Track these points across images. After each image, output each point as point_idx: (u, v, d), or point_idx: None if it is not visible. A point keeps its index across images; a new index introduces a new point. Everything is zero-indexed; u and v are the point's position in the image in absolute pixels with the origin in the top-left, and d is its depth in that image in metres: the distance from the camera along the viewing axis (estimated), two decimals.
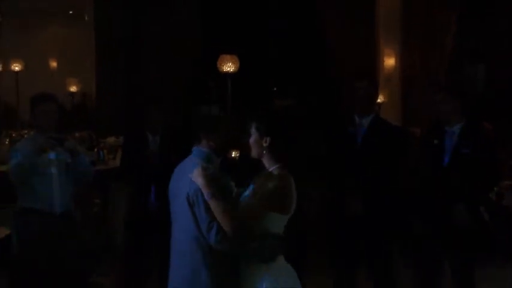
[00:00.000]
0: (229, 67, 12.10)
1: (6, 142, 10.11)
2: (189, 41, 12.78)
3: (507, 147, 9.65)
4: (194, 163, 4.20)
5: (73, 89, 14.35)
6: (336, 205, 6.46)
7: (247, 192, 4.11)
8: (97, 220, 8.54)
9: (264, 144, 4.05)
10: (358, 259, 6.58)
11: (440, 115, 6.27)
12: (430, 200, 6.17)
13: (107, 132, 11.30)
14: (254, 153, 4.12)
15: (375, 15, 12.76)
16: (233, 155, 7.65)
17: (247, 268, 4.07)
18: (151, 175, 6.62)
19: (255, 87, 13.35)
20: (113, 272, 7.71)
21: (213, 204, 3.99)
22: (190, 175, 4.09)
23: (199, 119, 4.37)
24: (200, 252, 4.15)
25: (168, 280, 4.43)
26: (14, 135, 10.47)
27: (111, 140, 10.81)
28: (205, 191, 4.02)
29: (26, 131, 9.87)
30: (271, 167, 4.09)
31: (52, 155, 5.99)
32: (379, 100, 10.97)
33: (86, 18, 14.16)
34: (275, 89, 14.15)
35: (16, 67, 13.34)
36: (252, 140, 4.09)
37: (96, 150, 9.82)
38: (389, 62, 12.88)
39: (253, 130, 4.08)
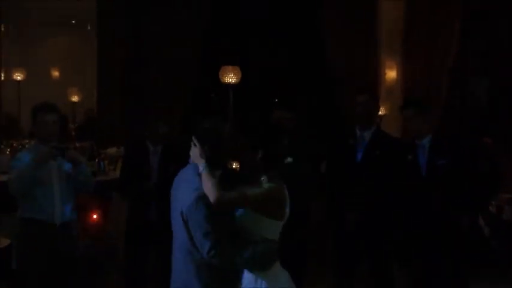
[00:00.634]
0: (231, 78, 12.12)
1: (7, 152, 10.09)
2: (192, 53, 12.78)
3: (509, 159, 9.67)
4: (192, 172, 4.20)
5: (74, 98, 14.34)
6: (336, 217, 6.47)
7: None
8: (98, 230, 8.53)
9: (257, 157, 4.09)
10: (356, 270, 6.59)
11: (410, 129, 6.33)
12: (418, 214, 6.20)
13: (108, 142, 11.29)
14: (245, 166, 4.17)
15: (376, 28, 12.76)
16: (234, 166, 7.66)
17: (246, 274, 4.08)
18: (151, 187, 6.63)
19: (257, 99, 13.37)
20: (112, 282, 7.70)
21: (205, 177, 4.02)
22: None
23: (197, 131, 4.36)
24: (193, 267, 4.15)
25: None
26: (14, 144, 10.45)
27: (112, 150, 10.80)
28: (200, 165, 4.09)
29: (27, 141, 9.86)
30: (263, 177, 4.13)
31: (53, 165, 6.00)
32: (380, 113, 10.98)
33: (89, 27, 14.17)
34: (276, 100, 14.15)
35: (18, 76, 13.34)
36: (245, 153, 4.12)
37: (96, 160, 9.81)
38: (391, 74, 12.86)
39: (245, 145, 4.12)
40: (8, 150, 10.14)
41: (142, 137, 6.86)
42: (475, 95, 13.18)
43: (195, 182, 4.10)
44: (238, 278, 4.11)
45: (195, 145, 4.21)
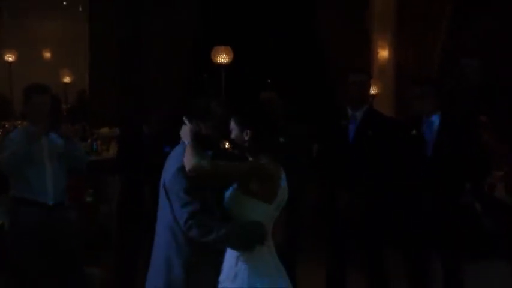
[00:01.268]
0: (223, 58, 12.11)
1: None
2: (185, 33, 12.75)
3: (503, 139, 9.68)
4: (180, 150, 4.20)
5: (66, 79, 14.31)
6: (330, 199, 6.47)
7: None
8: (90, 210, 8.54)
9: (246, 138, 4.04)
10: (350, 254, 6.61)
11: (418, 108, 6.30)
12: (418, 194, 6.20)
13: (100, 123, 11.28)
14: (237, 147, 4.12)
15: (369, 6, 12.75)
16: (226, 146, 7.66)
17: (238, 261, 4.03)
18: (145, 167, 6.63)
19: (249, 79, 13.36)
20: (105, 262, 7.71)
21: (188, 148, 4.02)
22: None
23: (191, 107, 4.35)
24: (175, 241, 4.14)
25: None
26: (7, 125, 10.44)
27: (104, 131, 10.79)
28: (186, 140, 4.10)
29: (19, 122, 9.85)
30: (256, 157, 4.08)
31: (45, 145, 6.00)
32: (372, 92, 10.99)
33: (80, 9, 14.13)
34: (269, 81, 14.15)
35: (9, 58, 13.33)
36: (233, 134, 4.08)
37: (89, 141, 9.82)
38: (383, 53, 12.86)
39: (232, 124, 4.08)
40: (0, 131, 10.13)
41: (136, 118, 6.84)
42: (467, 75, 13.18)
43: (181, 159, 4.09)
44: (220, 255, 4.09)
45: (185, 123, 4.21)
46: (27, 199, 5.96)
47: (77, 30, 13.99)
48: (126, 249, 6.83)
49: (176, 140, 6.89)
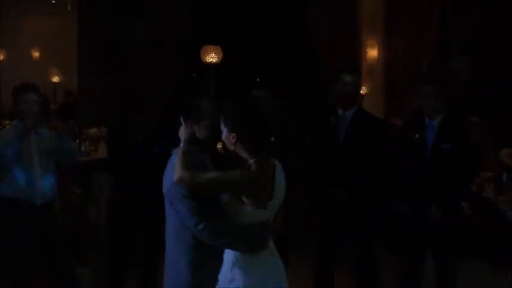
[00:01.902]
0: (212, 58, 12.12)
1: None
2: (174, 32, 12.74)
3: (492, 139, 9.71)
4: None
5: (55, 79, 14.29)
6: (319, 199, 6.47)
7: None
8: (78, 211, 8.51)
9: (233, 140, 4.01)
10: (339, 253, 6.61)
11: (423, 108, 6.30)
12: (409, 195, 6.22)
13: (89, 123, 11.26)
14: (228, 146, 4.08)
15: (358, 5, 12.76)
16: (218, 147, 7.64)
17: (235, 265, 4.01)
18: (135, 167, 6.61)
19: (238, 78, 13.36)
20: (94, 262, 7.71)
21: (178, 155, 4.01)
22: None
23: (184, 109, 4.34)
24: (181, 246, 4.16)
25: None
26: None
27: (93, 131, 10.77)
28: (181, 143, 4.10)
29: (8, 122, 9.82)
30: (247, 158, 4.03)
31: (33, 143, 5.97)
32: (361, 92, 10.99)
33: (69, 7, 14.10)
34: (258, 79, 14.15)
35: None
36: (223, 136, 4.06)
37: (78, 141, 9.79)
38: (372, 53, 12.87)
39: (222, 126, 4.05)
40: None
41: (125, 117, 6.82)
42: (457, 74, 13.21)
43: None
44: (222, 256, 4.10)
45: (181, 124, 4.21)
46: (14, 199, 5.93)
47: (66, 29, 13.97)
48: (116, 249, 6.81)
49: (166, 140, 6.92)
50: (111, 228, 6.86)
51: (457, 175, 6.12)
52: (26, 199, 5.94)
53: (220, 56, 12.24)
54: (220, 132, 4.10)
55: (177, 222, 4.14)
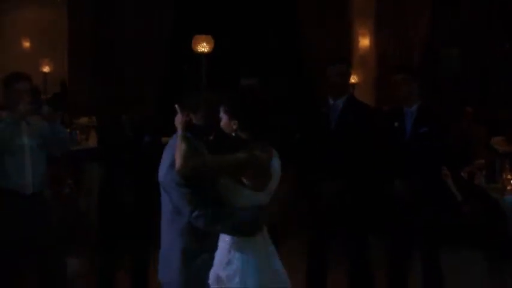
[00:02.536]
0: (203, 47, 12.09)
1: None
2: (163, 20, 12.71)
3: (483, 128, 9.74)
4: (174, 140, 4.20)
5: (46, 69, 14.25)
6: (310, 188, 6.47)
7: None
8: (69, 200, 8.50)
9: (234, 127, 4.02)
10: (331, 243, 6.60)
11: (400, 96, 6.34)
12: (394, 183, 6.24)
13: (80, 112, 11.23)
14: (227, 133, 4.10)
15: None
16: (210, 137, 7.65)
17: (231, 248, 4.02)
18: (125, 157, 6.60)
19: (229, 68, 13.33)
20: (86, 253, 7.70)
21: (178, 141, 4.02)
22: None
23: (182, 99, 4.34)
24: (175, 230, 4.18)
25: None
26: None
27: (83, 120, 10.75)
28: (178, 131, 4.09)
29: None
30: (246, 144, 4.04)
31: (24, 132, 5.94)
32: (352, 80, 10.99)
33: None
34: (248, 69, 14.12)
35: None
36: (222, 123, 4.06)
37: (68, 130, 9.76)
38: (364, 42, 12.88)
39: (222, 113, 4.06)
40: None
41: (115, 108, 6.80)
42: (447, 65, 13.26)
43: (174, 148, 4.08)
44: (215, 244, 4.09)
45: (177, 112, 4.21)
46: (4, 188, 5.90)
47: (56, 20, 13.93)
48: (107, 240, 6.80)
49: (156, 129, 6.90)
50: (103, 218, 6.86)
51: (437, 162, 6.17)
52: (17, 189, 5.91)
53: (212, 45, 12.22)
54: (216, 121, 4.10)
55: (170, 209, 4.16)
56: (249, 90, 6.26)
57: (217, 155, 4.01)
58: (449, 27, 12.85)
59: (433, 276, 6.27)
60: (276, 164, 4.08)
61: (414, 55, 12.17)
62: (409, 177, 6.14)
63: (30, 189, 5.96)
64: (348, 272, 6.54)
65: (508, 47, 12.86)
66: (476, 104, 11.14)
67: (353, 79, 10.42)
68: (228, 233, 4.00)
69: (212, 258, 4.06)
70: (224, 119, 4.04)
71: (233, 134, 4.03)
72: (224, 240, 4.03)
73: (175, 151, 4.03)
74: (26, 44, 15.20)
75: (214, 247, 4.06)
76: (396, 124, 6.30)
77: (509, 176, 6.90)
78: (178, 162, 3.94)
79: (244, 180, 3.94)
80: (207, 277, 4.06)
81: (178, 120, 4.16)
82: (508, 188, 6.85)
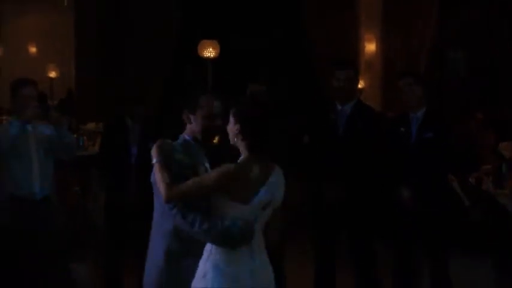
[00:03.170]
0: (209, 52, 12.10)
1: None
2: (171, 26, 12.73)
3: (491, 132, 9.72)
4: (176, 143, 4.20)
5: (52, 74, 14.28)
6: (318, 193, 6.45)
7: None
8: (76, 206, 8.51)
9: (236, 132, 3.98)
10: (338, 248, 6.59)
11: (406, 101, 6.34)
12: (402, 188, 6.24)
13: (87, 118, 11.25)
14: (230, 139, 4.05)
15: (356, 0, 12.75)
16: (214, 141, 7.62)
17: (208, 258, 3.94)
18: (131, 163, 6.60)
19: (235, 73, 13.34)
20: (91, 258, 7.70)
21: (156, 171, 4.01)
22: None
23: (182, 99, 4.34)
24: (160, 233, 4.17)
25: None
26: None
27: (90, 126, 10.77)
28: (154, 158, 4.05)
29: (5, 118, 9.81)
30: (243, 155, 4.00)
31: (31, 137, 5.95)
32: (359, 86, 10.98)
33: (66, 3, 14.08)
34: (256, 74, 14.12)
35: None
36: (228, 126, 4.04)
37: (76, 136, 9.77)
38: (371, 47, 12.86)
39: (230, 116, 4.03)
40: None
41: (121, 114, 6.80)
42: (454, 69, 13.23)
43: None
44: (200, 248, 4.00)
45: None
46: (12, 194, 5.90)
47: (63, 25, 13.95)
48: (113, 245, 6.81)
49: (161, 134, 6.89)
50: (109, 225, 6.87)
51: (443, 167, 6.18)
52: (24, 194, 5.92)
53: (218, 50, 12.23)
54: (220, 124, 4.09)
55: (159, 210, 4.15)
56: (256, 96, 6.26)
57: (195, 178, 3.94)
58: (456, 30, 12.83)
59: (441, 282, 6.26)
60: (274, 179, 3.98)
61: (420, 59, 12.16)
62: (415, 182, 6.14)
63: (37, 195, 5.97)
64: (355, 277, 6.53)
65: None
66: (484, 108, 11.12)
67: (360, 84, 10.40)
68: (205, 239, 3.93)
69: (196, 264, 3.97)
70: (230, 121, 4.01)
71: (235, 140, 3.99)
72: (206, 250, 3.96)
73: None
74: (33, 50, 15.23)
75: (200, 253, 3.97)
76: (402, 129, 6.30)
77: None
78: (162, 193, 3.94)
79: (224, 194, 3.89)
80: (189, 282, 3.98)
81: (154, 149, 4.11)
82: None
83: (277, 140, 5.61)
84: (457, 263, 6.45)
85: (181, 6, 12.87)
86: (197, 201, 3.96)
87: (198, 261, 3.98)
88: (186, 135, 4.27)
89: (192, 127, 4.25)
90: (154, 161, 4.05)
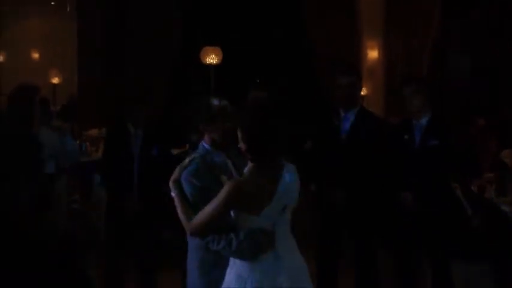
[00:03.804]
0: (212, 59, 12.11)
1: None
2: (172, 32, 12.74)
3: (492, 138, 9.69)
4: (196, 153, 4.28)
5: (55, 80, 14.28)
6: (321, 199, 6.46)
7: None
8: (77, 214, 8.51)
9: (242, 145, 3.95)
10: (341, 253, 6.59)
11: (410, 108, 6.34)
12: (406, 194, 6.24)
13: (89, 124, 11.25)
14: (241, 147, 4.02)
15: (357, 7, 12.75)
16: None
17: (232, 269, 3.99)
18: (133, 169, 6.60)
19: (238, 79, 13.35)
20: (94, 265, 7.69)
21: (176, 204, 4.08)
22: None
23: (197, 110, 4.33)
24: (192, 246, 4.27)
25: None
26: None
27: (93, 132, 10.77)
28: (172, 191, 4.13)
29: None
30: (248, 165, 4.00)
31: None
32: (362, 93, 10.98)
33: (68, 9, 14.08)
34: (258, 80, 14.15)
35: None
36: (238, 136, 4.00)
37: (78, 142, 9.78)
38: (373, 54, 12.86)
39: (238, 131, 4.01)
40: None
41: (123, 119, 6.80)
42: (457, 73, 13.20)
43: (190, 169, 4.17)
44: (232, 266, 4.03)
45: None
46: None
47: (66, 31, 13.95)
48: (115, 251, 6.81)
49: (164, 140, 6.89)
50: (110, 228, 6.87)
51: (447, 173, 6.18)
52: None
53: (220, 57, 12.24)
54: (233, 126, 4.11)
55: None
56: (257, 101, 6.24)
57: (210, 203, 3.92)
58: (459, 36, 12.82)
59: (443, 286, 6.27)
60: (284, 183, 3.95)
61: (422, 63, 12.16)
62: (419, 188, 6.15)
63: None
64: (354, 280, 6.53)
65: None
66: (485, 111, 11.11)
67: (362, 91, 10.39)
68: (225, 253, 3.97)
69: (223, 276, 4.02)
70: (239, 132, 3.98)
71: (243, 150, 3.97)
72: (230, 260, 4.00)
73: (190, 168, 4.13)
74: (35, 55, 15.23)
75: (227, 264, 4.04)
76: (406, 137, 6.31)
77: None
78: (184, 226, 4.02)
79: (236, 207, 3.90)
80: None
81: (171, 182, 4.18)
82: None
83: (285, 144, 5.60)
84: (459, 270, 6.43)
85: (181, 7, 12.88)
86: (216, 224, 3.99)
87: (224, 273, 4.02)
88: (205, 144, 4.33)
89: (210, 135, 4.31)
90: (172, 194, 4.13)
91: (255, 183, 3.90)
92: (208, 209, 3.91)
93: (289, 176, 4.00)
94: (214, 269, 4.14)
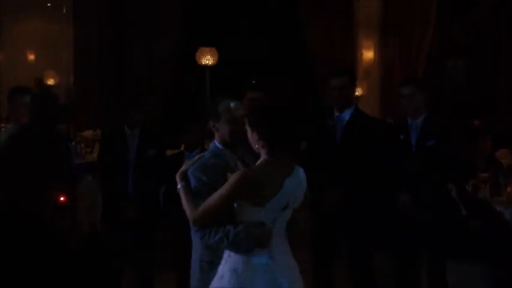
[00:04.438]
0: (208, 60, 12.10)
1: None
2: (169, 34, 12.74)
3: (488, 140, 9.70)
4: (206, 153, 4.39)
5: (51, 81, 14.27)
6: (316, 200, 6.45)
7: None
8: (65, 213, 8.47)
9: (256, 138, 3.98)
10: (337, 254, 6.59)
11: (406, 109, 6.36)
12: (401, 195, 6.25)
13: (84, 125, 11.24)
14: (253, 147, 4.06)
15: (354, 8, 12.76)
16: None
17: (226, 262, 4.01)
18: (128, 170, 6.60)
19: (233, 80, 13.37)
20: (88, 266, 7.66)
21: (181, 196, 4.11)
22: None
23: (208, 109, 4.43)
24: (193, 245, 4.34)
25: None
26: None
27: (88, 133, 10.76)
28: (178, 183, 4.14)
29: (4, 125, 9.80)
30: (261, 158, 4.03)
31: None
32: (357, 93, 10.98)
33: (64, 10, 14.07)
34: (254, 81, 14.15)
35: None
36: (248, 135, 4.04)
37: (73, 143, 9.77)
38: (368, 55, 12.88)
39: (247, 125, 4.04)
40: None
41: (119, 120, 6.80)
42: (452, 75, 13.23)
43: (197, 164, 4.24)
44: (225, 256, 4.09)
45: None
46: None
47: (61, 32, 13.94)
48: (111, 253, 6.80)
49: (161, 141, 6.89)
50: (105, 229, 6.86)
51: (442, 173, 6.18)
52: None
53: (216, 58, 12.24)
54: (242, 126, 4.13)
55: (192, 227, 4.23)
56: (255, 102, 6.28)
57: (215, 193, 3.97)
58: (455, 38, 12.84)
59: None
60: (291, 181, 4.00)
61: (419, 66, 12.17)
62: (415, 189, 6.16)
63: None
64: (351, 282, 6.53)
65: None
66: (481, 115, 11.13)
67: (357, 92, 10.40)
68: (221, 245, 4.00)
69: None
70: (248, 131, 4.03)
71: (256, 147, 4.01)
72: (225, 253, 4.03)
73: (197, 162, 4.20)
74: (32, 57, 15.22)
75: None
76: (402, 137, 6.32)
77: None
78: (188, 216, 4.03)
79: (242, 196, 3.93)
80: None
81: (178, 174, 4.22)
82: None
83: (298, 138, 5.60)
84: (454, 271, 6.43)
85: (182, 13, 12.88)
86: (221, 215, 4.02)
87: None
88: (216, 143, 4.40)
89: (220, 134, 4.38)
90: (178, 186, 4.15)
91: (263, 172, 3.95)
92: (214, 197, 3.95)
93: (298, 177, 4.08)
94: (214, 266, 4.14)
